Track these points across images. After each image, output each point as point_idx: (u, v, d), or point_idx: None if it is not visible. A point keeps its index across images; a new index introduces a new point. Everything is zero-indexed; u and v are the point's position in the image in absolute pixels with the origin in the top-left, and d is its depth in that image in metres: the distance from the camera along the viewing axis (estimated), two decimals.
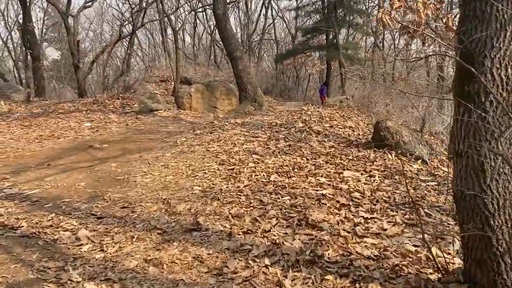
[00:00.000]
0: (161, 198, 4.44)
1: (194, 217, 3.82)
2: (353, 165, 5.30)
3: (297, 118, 8.15)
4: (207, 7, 23.82)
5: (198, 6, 21.25)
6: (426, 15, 4.39)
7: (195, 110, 11.66)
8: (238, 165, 5.38)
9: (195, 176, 5.13)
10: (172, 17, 22.50)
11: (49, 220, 3.93)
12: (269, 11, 30.21)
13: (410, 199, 4.19)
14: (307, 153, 5.91)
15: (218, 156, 5.92)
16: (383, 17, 4.47)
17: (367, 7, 22.04)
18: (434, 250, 2.88)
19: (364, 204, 4.07)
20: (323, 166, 5.25)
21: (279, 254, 3.08)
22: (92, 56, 22.26)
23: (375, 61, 26.56)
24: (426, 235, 3.05)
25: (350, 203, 4.10)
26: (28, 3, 16.65)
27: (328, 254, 3.05)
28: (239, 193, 4.36)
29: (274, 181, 4.70)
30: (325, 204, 4.01)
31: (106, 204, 4.39)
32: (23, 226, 3.77)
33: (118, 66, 17.42)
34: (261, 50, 29.24)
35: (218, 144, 6.64)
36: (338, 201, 4.10)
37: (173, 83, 17.62)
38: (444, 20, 4.59)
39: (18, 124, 10.43)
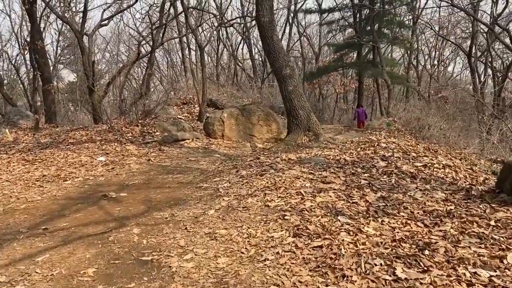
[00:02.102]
0: None
1: None
2: (507, 238, 3.40)
3: (371, 152, 6.29)
4: (238, 20, 22.35)
5: (224, 21, 19.70)
6: None
7: (228, 139, 9.90)
8: (325, 238, 3.52)
9: (264, 260, 3.27)
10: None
11: None
12: (293, 28, 28.71)
13: None
14: (417, 212, 4.04)
15: (285, 217, 4.07)
16: None
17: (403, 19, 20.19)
18: None
19: None
20: (462, 240, 3.36)
21: None
22: (108, 78, 20.89)
23: (411, 78, 24.66)
24: None
25: None
26: (38, 19, 15.32)
27: None
28: None
29: (406, 278, 2.82)
30: None
31: None
32: None
33: (136, 88, 15.88)
34: None
35: (278, 194, 4.80)
36: None
37: (196, 105, 15.98)
38: None
39: (20, 158, 8.79)
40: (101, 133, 11.17)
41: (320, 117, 23.05)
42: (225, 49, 30.09)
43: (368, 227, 3.71)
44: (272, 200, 4.60)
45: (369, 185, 4.92)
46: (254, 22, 28.02)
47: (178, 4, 20.10)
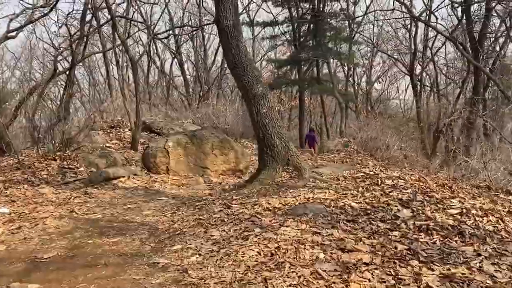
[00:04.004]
0: None
1: None
2: None
3: (381, 194, 4.85)
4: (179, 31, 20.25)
5: (157, 34, 17.65)
6: None
7: (175, 174, 8.03)
8: None
9: None
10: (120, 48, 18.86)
11: None
12: None
13: None
14: None
15: None
16: None
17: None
18: None
19: None
20: None
21: None
22: (18, 99, 17.84)
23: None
24: None
25: None
26: None
27: None
28: None
29: None
30: None
31: None
32: None
33: (52, 111, 13.33)
34: (223, 87, 26.18)
35: (285, 278, 3.12)
36: None
37: (126, 129, 13.83)
38: None
39: None
40: (6, 171, 8.70)
41: None
42: (153, 65, 28.02)
43: None
44: None
45: (411, 252, 3.42)
46: (185, 37, 26.35)
47: (100, 14, 17.87)
